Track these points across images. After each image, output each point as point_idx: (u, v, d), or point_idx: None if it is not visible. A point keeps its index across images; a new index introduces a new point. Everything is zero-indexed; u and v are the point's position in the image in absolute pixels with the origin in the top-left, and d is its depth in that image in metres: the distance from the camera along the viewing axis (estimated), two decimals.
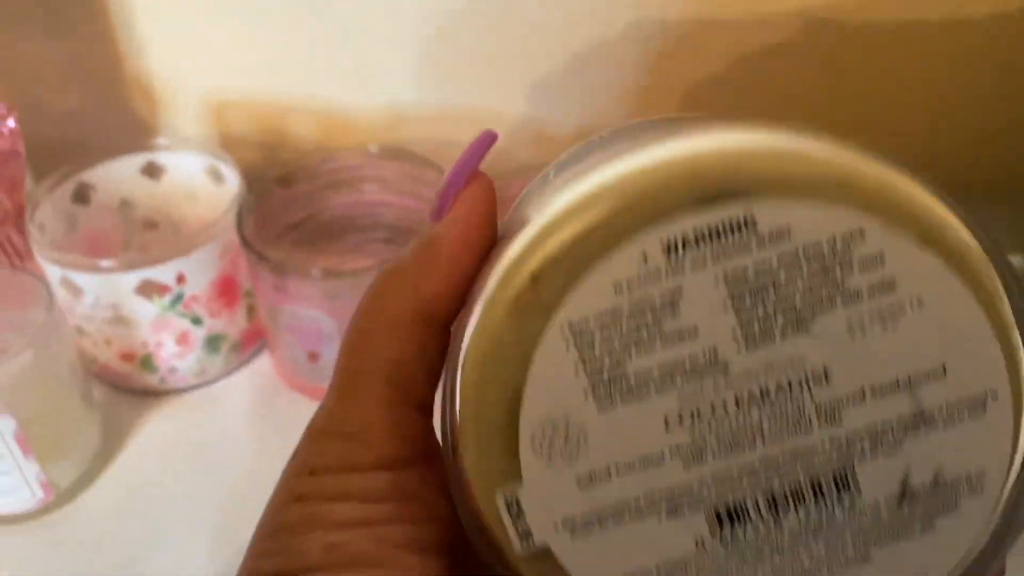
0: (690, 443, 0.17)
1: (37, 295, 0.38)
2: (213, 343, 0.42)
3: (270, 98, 0.49)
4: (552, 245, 0.16)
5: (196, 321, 0.41)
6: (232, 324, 0.43)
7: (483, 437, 0.17)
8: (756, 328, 0.16)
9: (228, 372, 0.44)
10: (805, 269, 0.16)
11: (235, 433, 0.42)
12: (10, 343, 0.36)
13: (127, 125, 0.51)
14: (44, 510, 0.39)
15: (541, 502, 0.17)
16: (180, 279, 0.39)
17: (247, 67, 0.48)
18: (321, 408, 0.18)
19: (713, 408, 0.17)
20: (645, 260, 0.16)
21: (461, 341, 0.17)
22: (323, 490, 0.17)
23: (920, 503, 0.17)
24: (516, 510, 0.17)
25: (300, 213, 0.45)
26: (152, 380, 0.43)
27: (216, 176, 0.45)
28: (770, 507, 0.17)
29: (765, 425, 0.17)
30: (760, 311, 0.16)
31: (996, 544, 0.17)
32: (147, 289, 0.39)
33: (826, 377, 0.16)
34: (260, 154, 0.50)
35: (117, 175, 0.45)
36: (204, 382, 0.44)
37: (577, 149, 0.20)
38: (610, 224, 0.16)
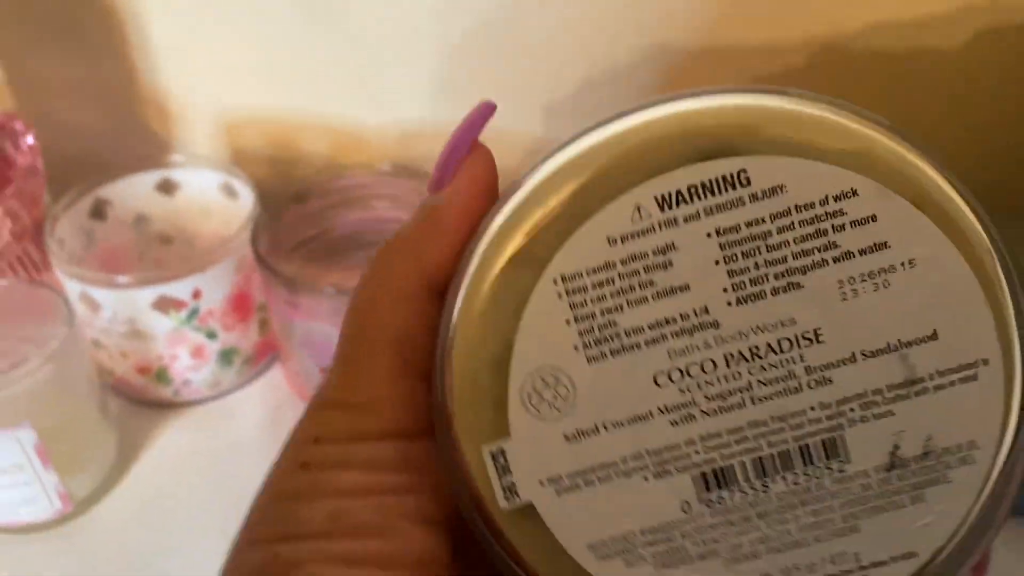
0: (679, 402, 0.17)
1: (57, 310, 0.39)
2: (227, 356, 0.44)
3: (282, 115, 0.50)
4: (547, 199, 0.17)
5: (211, 335, 0.42)
6: (245, 338, 0.44)
7: (472, 390, 0.17)
8: (747, 285, 0.16)
9: (241, 384, 0.45)
10: (797, 227, 0.16)
11: (248, 444, 0.43)
12: (30, 357, 0.37)
13: (141, 141, 0.52)
14: (61, 520, 0.40)
15: (528, 458, 0.17)
16: (196, 294, 0.41)
17: (260, 85, 0.49)
18: (325, 379, 0.18)
19: (703, 367, 0.17)
20: (639, 214, 0.16)
21: (455, 296, 0.17)
22: (328, 458, 0.17)
23: (910, 473, 0.17)
24: (502, 465, 0.17)
25: (312, 229, 0.46)
26: (167, 392, 0.44)
27: (230, 192, 0.46)
28: (758, 472, 0.17)
29: (755, 386, 0.17)
30: (752, 268, 0.16)
31: (987, 518, 0.17)
32: (164, 304, 0.40)
33: (817, 338, 0.16)
34: (272, 170, 0.52)
35: (133, 191, 0.46)
36: (218, 394, 0.45)
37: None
38: (605, 178, 0.16)
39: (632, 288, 0.16)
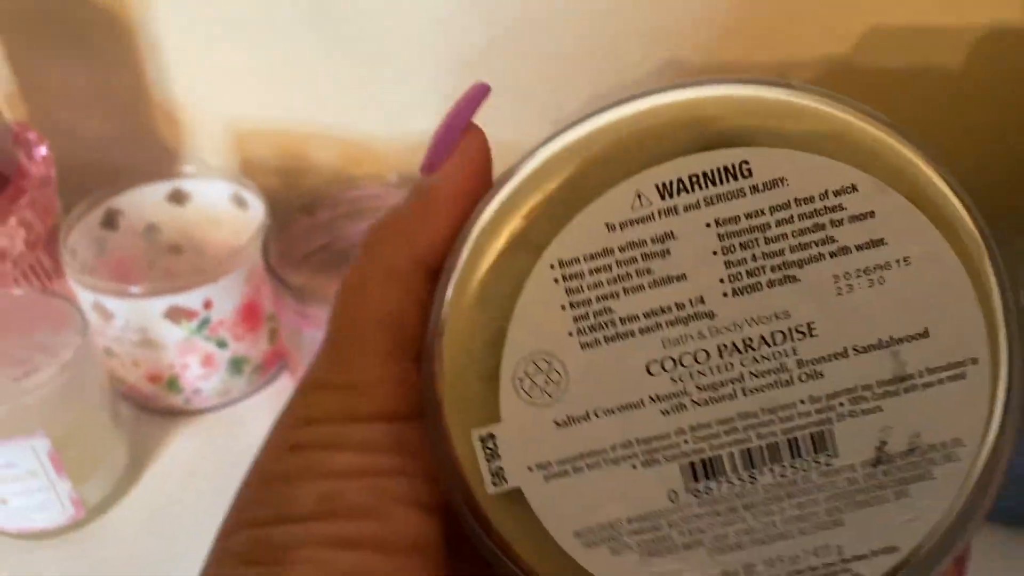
0: (671, 391, 0.17)
1: (70, 319, 0.40)
2: (237, 365, 0.44)
3: (292, 127, 0.51)
4: (546, 183, 0.17)
5: (221, 344, 0.43)
6: (255, 347, 0.45)
7: (464, 374, 0.17)
8: (744, 277, 0.16)
9: (251, 393, 0.46)
10: (796, 220, 0.16)
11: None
12: (44, 365, 0.38)
13: (152, 151, 0.53)
14: (74, 526, 0.41)
15: (517, 442, 0.17)
16: (207, 304, 0.41)
17: (270, 96, 0.50)
18: (315, 361, 0.18)
19: (696, 357, 0.17)
20: (639, 201, 0.16)
21: (449, 277, 0.17)
22: (320, 439, 0.17)
23: (895, 468, 0.17)
24: (491, 450, 0.17)
25: (321, 240, 0.47)
26: (177, 400, 0.45)
27: (240, 202, 0.47)
28: (746, 463, 0.17)
29: (746, 377, 0.17)
30: (749, 260, 0.16)
31: (968, 515, 0.17)
32: (175, 314, 0.41)
33: (810, 332, 0.16)
34: (281, 180, 0.52)
35: (144, 201, 0.47)
36: (227, 402, 0.46)
37: None
38: (606, 164, 0.16)
39: (629, 275, 0.16)
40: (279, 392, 0.46)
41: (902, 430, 0.17)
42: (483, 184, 0.18)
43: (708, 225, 0.16)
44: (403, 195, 0.18)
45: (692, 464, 0.17)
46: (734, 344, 0.17)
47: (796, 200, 0.16)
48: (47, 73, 0.51)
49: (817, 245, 0.16)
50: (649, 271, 0.16)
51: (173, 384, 0.44)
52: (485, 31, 0.44)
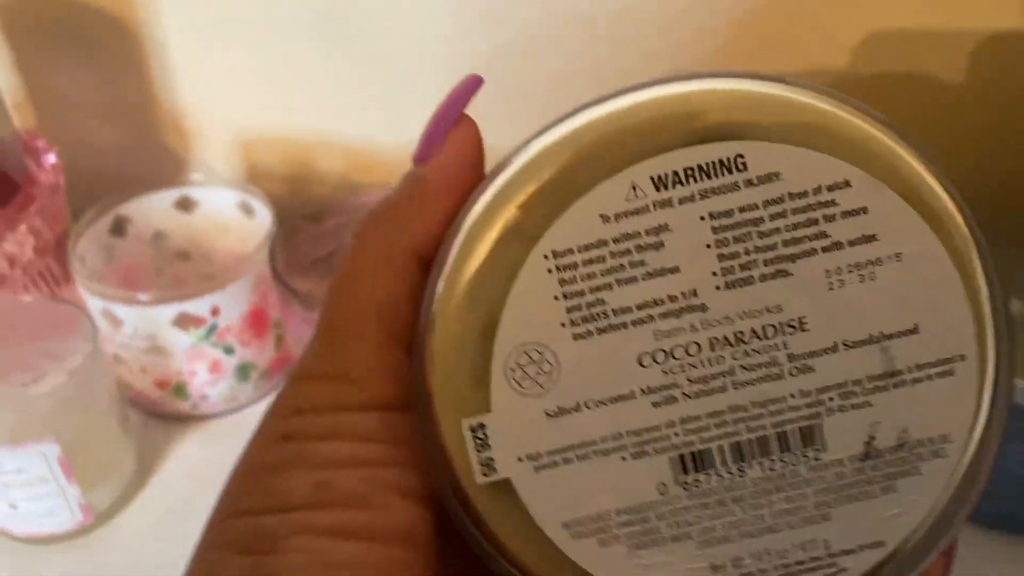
0: (661, 383, 0.17)
1: (80, 326, 0.40)
2: (243, 371, 0.45)
3: (297, 134, 0.51)
4: (541, 173, 0.17)
5: (228, 351, 0.44)
6: (262, 353, 0.45)
7: (455, 363, 0.17)
8: (737, 270, 0.17)
9: (257, 398, 0.46)
10: (790, 215, 0.16)
11: None
12: (54, 372, 0.39)
13: (159, 158, 0.54)
14: (82, 531, 0.41)
15: (507, 433, 0.17)
16: (215, 311, 0.42)
17: (276, 104, 0.51)
18: (307, 351, 0.18)
19: (687, 350, 0.17)
20: (634, 193, 0.16)
21: (442, 266, 0.17)
22: (311, 429, 0.17)
23: (883, 463, 0.17)
24: (481, 440, 0.17)
25: (327, 247, 0.47)
26: (184, 406, 0.45)
27: (247, 210, 0.47)
28: (735, 456, 0.17)
29: (737, 371, 0.17)
30: (742, 253, 0.16)
31: (953, 511, 0.17)
32: (183, 321, 0.42)
33: (801, 326, 0.17)
34: (287, 188, 0.53)
35: (152, 208, 0.48)
36: (234, 408, 0.46)
37: None
38: (601, 155, 0.16)
39: (623, 267, 0.17)
40: None
41: (891, 425, 0.17)
42: (476, 174, 0.18)
43: (702, 218, 0.16)
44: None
45: (682, 457, 0.17)
46: (725, 337, 0.17)
47: (790, 194, 0.16)
48: (56, 82, 0.52)
49: (810, 240, 0.16)
50: (643, 263, 0.17)
51: (180, 390, 0.44)
52: (490, 41, 0.45)
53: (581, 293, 0.17)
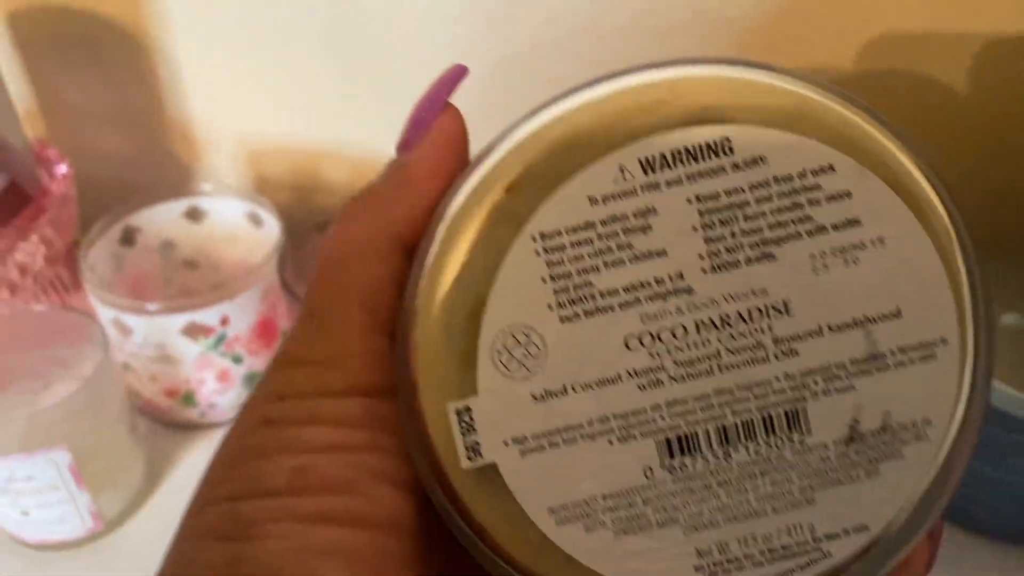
0: (648, 366, 0.17)
1: (90, 334, 0.41)
2: (252, 380, 0.46)
3: (306, 145, 0.52)
4: (529, 156, 0.17)
5: (236, 360, 0.44)
6: None
7: (441, 345, 0.17)
8: (723, 253, 0.17)
9: None
10: (775, 199, 0.17)
11: None
12: (64, 380, 0.39)
13: (168, 168, 0.55)
14: (92, 538, 0.42)
15: (494, 416, 0.17)
16: (224, 321, 0.43)
17: (284, 114, 0.52)
18: (290, 335, 0.18)
19: (673, 332, 0.17)
20: (622, 175, 0.16)
21: (428, 249, 0.17)
22: (293, 414, 0.17)
23: (867, 447, 0.17)
24: (467, 423, 0.17)
25: None
26: (193, 414, 0.46)
27: (255, 220, 0.48)
28: (721, 440, 0.17)
29: (723, 354, 0.17)
30: (728, 237, 0.17)
31: (936, 494, 0.17)
32: (193, 330, 0.42)
33: (786, 309, 0.17)
34: (294, 197, 0.54)
35: (161, 218, 0.48)
36: None
37: None
38: (590, 138, 0.17)
39: (610, 249, 0.17)
40: None
41: (874, 409, 0.17)
42: (460, 161, 0.18)
43: (689, 201, 0.17)
44: None
45: (668, 440, 0.17)
46: (711, 320, 0.17)
47: (775, 178, 0.17)
48: (66, 92, 0.53)
49: (795, 224, 0.17)
50: (630, 246, 0.17)
51: (189, 399, 0.45)
52: (495, 53, 0.46)
53: (568, 275, 0.17)
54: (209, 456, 0.16)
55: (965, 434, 0.17)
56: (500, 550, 0.17)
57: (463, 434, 0.17)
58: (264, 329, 0.45)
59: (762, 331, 0.17)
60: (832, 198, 0.17)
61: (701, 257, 0.17)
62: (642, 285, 0.17)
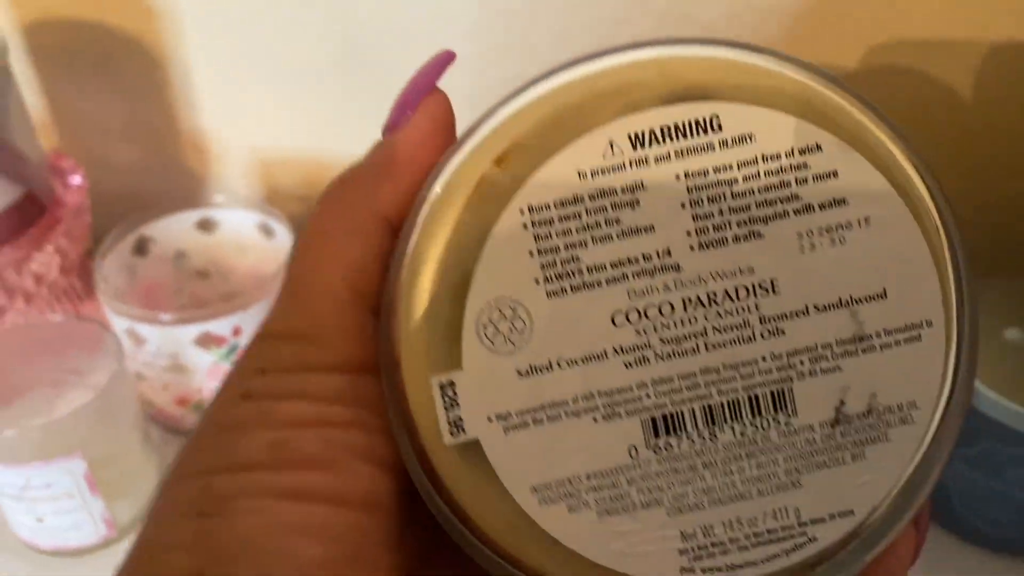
0: (634, 343, 0.17)
1: (105, 344, 0.42)
2: None
3: (315, 156, 0.53)
4: (519, 129, 0.17)
5: None
6: None
7: (426, 318, 0.17)
8: (710, 231, 0.17)
9: None
10: (763, 177, 0.17)
11: None
12: (78, 389, 0.40)
13: (180, 179, 0.55)
14: (105, 544, 0.43)
15: (478, 392, 0.16)
16: (236, 331, 0.43)
17: (295, 126, 0.52)
18: (272, 310, 0.18)
19: (660, 309, 0.17)
20: (611, 150, 0.16)
21: (414, 220, 0.17)
22: (273, 388, 0.16)
23: (853, 430, 0.17)
24: (451, 398, 0.17)
25: None
26: None
27: (267, 231, 0.49)
28: (707, 420, 0.17)
29: (709, 332, 0.17)
30: (716, 214, 0.17)
31: (921, 478, 0.17)
32: (206, 340, 0.43)
33: (773, 288, 0.17)
34: (305, 208, 0.55)
35: (174, 229, 0.49)
36: None
37: None
38: (579, 112, 0.17)
39: (598, 224, 0.16)
40: None
41: (860, 391, 0.17)
42: (445, 142, 0.18)
43: (678, 177, 0.16)
44: None
45: (653, 419, 0.17)
46: (698, 298, 0.17)
47: (763, 156, 0.17)
48: (81, 104, 0.54)
49: (782, 202, 0.17)
50: (618, 221, 0.17)
51: (200, 407, 0.46)
52: (503, 71, 0.46)
53: (556, 250, 0.16)
54: None
55: (950, 418, 0.17)
56: (480, 531, 0.17)
57: (446, 409, 0.16)
58: None
59: (749, 310, 0.17)
60: (819, 177, 0.17)
61: (689, 234, 0.17)
62: (629, 261, 0.17)
